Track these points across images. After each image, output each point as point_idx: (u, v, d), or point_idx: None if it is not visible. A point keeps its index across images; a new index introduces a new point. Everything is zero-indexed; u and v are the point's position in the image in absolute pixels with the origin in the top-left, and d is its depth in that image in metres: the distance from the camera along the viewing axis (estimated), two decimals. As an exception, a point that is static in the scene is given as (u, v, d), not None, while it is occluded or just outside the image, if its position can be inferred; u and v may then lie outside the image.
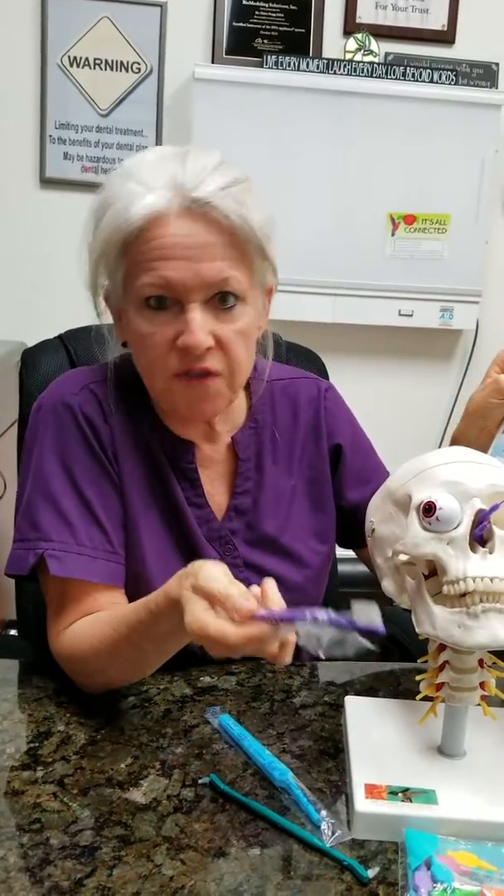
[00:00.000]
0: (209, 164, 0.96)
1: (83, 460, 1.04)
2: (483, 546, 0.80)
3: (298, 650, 1.17)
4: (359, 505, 1.19)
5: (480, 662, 0.83)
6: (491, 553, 0.79)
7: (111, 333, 1.10)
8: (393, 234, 2.68)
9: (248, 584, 1.09)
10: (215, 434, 1.12)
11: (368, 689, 1.04)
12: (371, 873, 0.73)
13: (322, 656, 0.75)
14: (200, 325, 0.96)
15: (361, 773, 0.83)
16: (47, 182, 2.64)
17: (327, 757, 0.89)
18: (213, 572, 0.80)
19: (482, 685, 0.83)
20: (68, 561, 0.99)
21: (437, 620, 0.79)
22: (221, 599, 0.76)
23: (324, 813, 0.79)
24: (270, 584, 0.80)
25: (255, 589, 0.80)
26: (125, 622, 0.91)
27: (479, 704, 0.84)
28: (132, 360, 1.10)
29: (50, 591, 1.03)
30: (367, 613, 0.74)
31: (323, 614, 0.75)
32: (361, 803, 0.78)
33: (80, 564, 1.00)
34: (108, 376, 1.09)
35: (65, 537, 1.00)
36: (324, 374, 1.45)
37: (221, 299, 0.98)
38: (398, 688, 1.05)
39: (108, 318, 1.08)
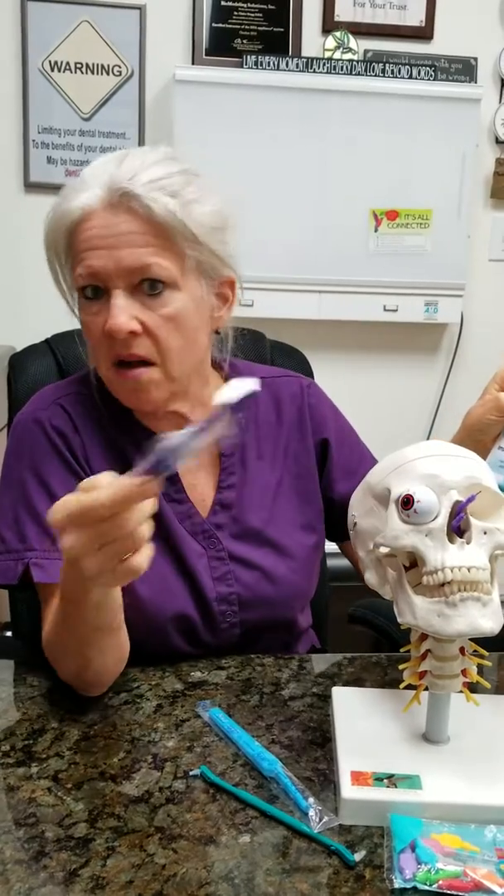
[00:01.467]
0: (147, 160, 1.01)
1: (57, 470, 1.07)
2: (461, 537, 0.82)
3: (290, 651, 1.19)
4: (348, 497, 1.21)
5: (462, 650, 0.85)
6: (468, 543, 0.81)
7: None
8: (376, 230, 2.70)
9: (233, 576, 1.12)
10: (189, 424, 1.13)
11: (356, 679, 1.06)
12: (357, 857, 0.75)
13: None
14: (122, 309, 0.99)
15: (348, 760, 0.85)
16: (32, 186, 2.66)
17: (315, 746, 0.91)
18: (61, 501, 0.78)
19: (464, 672, 0.85)
20: (50, 567, 1.02)
21: (417, 610, 0.82)
22: (78, 514, 0.76)
23: (311, 800, 0.81)
24: None
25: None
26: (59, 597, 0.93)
27: (461, 691, 0.86)
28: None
29: (41, 596, 1.06)
30: (238, 387, 0.74)
31: (183, 434, 0.74)
32: (348, 790, 0.81)
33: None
34: (74, 388, 1.13)
35: (46, 545, 1.04)
36: (307, 370, 1.47)
37: (149, 286, 1.01)
38: (385, 678, 1.07)
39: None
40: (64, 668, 0.99)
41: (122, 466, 1.09)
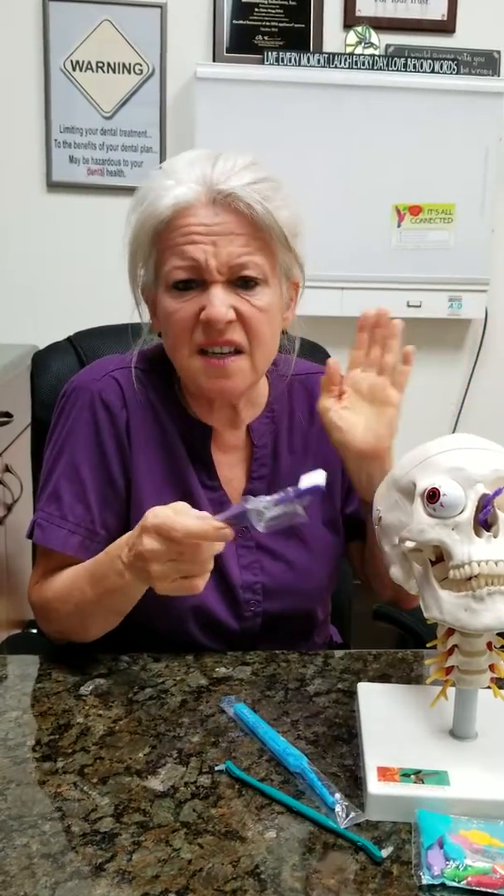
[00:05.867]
0: (239, 163, 1.04)
1: (88, 444, 1.10)
2: (487, 530, 0.81)
3: (308, 641, 1.19)
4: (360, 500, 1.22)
5: (489, 645, 0.84)
6: (495, 537, 0.80)
7: (146, 329, 1.16)
8: (399, 226, 2.68)
9: (259, 565, 1.13)
10: (239, 420, 1.16)
11: (381, 675, 1.06)
12: (385, 853, 0.74)
13: (261, 530, 0.89)
14: (222, 299, 1.02)
15: (374, 756, 0.84)
16: (54, 186, 2.67)
17: (341, 742, 0.91)
18: (157, 509, 0.91)
19: (492, 667, 0.84)
20: (49, 531, 1.10)
21: (444, 605, 0.81)
22: (164, 530, 0.89)
23: (338, 796, 0.80)
24: None
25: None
26: (83, 569, 1.05)
27: (489, 687, 0.85)
28: (162, 348, 1.16)
29: (37, 551, 1.15)
30: (311, 478, 0.86)
31: (265, 500, 0.87)
32: (374, 786, 0.80)
33: (57, 536, 1.09)
34: (133, 363, 1.15)
35: (52, 510, 1.10)
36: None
37: (243, 283, 1.04)
38: (410, 674, 1.06)
39: (144, 310, 1.14)
40: (55, 625, 1.09)
41: (166, 449, 1.14)
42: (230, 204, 1.01)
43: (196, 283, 1.03)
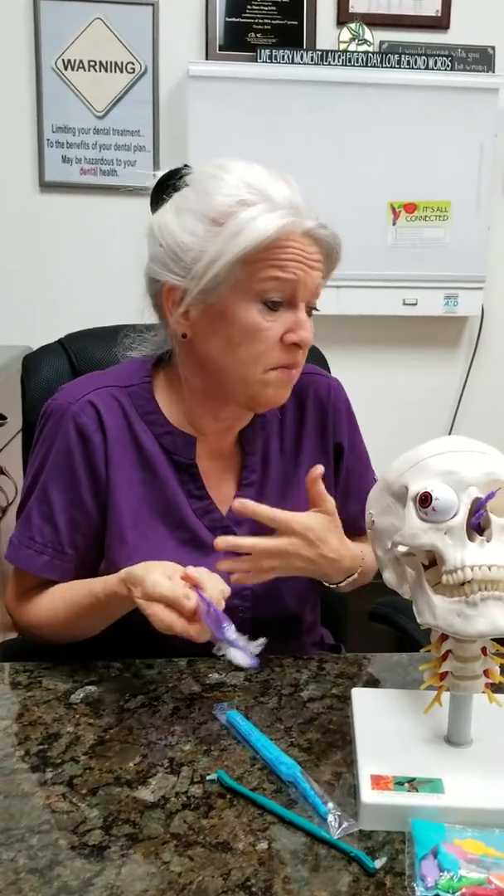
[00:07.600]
0: (297, 185, 1.09)
1: (58, 467, 1.11)
2: (481, 534, 0.80)
3: (297, 642, 1.20)
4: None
5: (483, 650, 0.83)
6: (488, 541, 0.79)
7: (151, 331, 1.16)
8: (394, 223, 2.67)
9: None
10: (234, 426, 1.17)
11: (376, 680, 1.05)
12: (378, 864, 0.73)
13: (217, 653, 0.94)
14: (309, 324, 1.08)
15: (368, 764, 0.83)
16: (47, 186, 2.65)
17: (335, 749, 0.90)
18: (155, 578, 0.93)
19: (486, 673, 0.83)
20: (20, 551, 1.12)
21: (437, 610, 0.80)
22: (171, 602, 0.92)
23: (331, 805, 0.79)
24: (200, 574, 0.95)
25: (190, 570, 0.95)
26: (75, 603, 1.08)
27: (483, 692, 0.84)
28: (139, 364, 1.18)
29: (13, 569, 1.17)
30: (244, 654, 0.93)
31: (227, 632, 0.93)
32: (367, 795, 0.79)
33: (24, 556, 1.12)
34: (110, 383, 1.15)
35: (23, 530, 1.13)
36: (323, 366, 1.46)
37: (308, 310, 1.09)
38: (405, 678, 1.05)
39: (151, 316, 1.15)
40: (47, 640, 1.12)
41: (146, 465, 1.13)
42: (318, 238, 1.06)
43: (283, 303, 1.06)
